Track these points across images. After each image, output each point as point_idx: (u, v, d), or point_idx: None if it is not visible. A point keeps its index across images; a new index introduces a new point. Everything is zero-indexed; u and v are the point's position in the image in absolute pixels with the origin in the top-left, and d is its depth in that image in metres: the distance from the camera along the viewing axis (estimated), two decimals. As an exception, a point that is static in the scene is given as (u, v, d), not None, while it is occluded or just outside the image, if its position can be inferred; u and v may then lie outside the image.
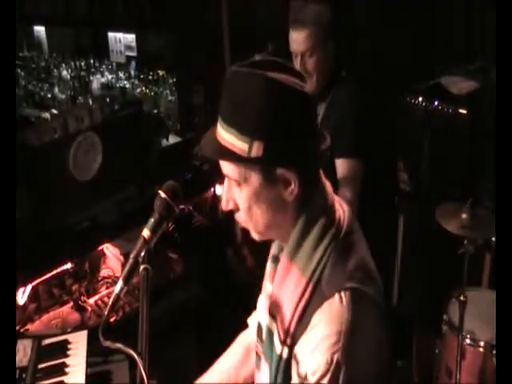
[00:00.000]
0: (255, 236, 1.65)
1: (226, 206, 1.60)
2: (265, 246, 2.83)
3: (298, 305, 1.52)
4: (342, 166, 2.77)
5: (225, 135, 1.49)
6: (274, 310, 1.61)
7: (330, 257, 1.52)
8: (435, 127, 3.40)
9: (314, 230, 1.55)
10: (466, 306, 2.89)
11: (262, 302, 1.84)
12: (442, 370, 3.21)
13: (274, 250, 1.80)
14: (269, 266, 1.81)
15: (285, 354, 1.56)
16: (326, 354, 1.46)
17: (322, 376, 1.47)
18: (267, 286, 1.79)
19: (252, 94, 1.43)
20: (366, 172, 2.82)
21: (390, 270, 3.69)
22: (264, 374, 1.70)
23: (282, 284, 1.59)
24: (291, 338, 1.54)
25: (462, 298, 2.88)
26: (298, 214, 1.56)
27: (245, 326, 2.10)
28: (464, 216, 2.80)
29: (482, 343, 2.93)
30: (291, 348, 1.55)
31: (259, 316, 1.86)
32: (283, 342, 1.56)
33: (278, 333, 1.58)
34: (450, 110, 3.31)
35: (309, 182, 1.54)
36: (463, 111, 3.27)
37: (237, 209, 1.59)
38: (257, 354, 1.82)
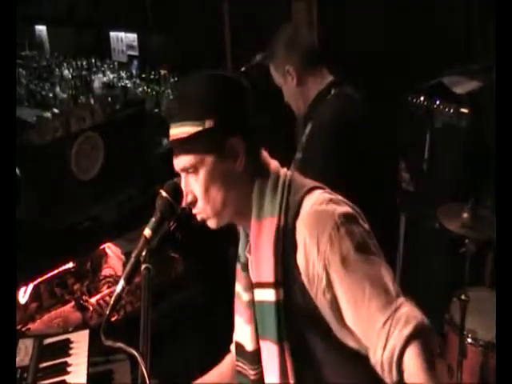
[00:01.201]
0: (213, 223, 1.78)
1: (185, 199, 1.68)
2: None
3: (276, 238, 1.62)
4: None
5: (176, 131, 1.67)
6: (260, 277, 1.66)
7: (287, 196, 1.66)
8: (437, 127, 3.40)
9: (268, 186, 1.69)
10: (467, 305, 2.89)
11: (240, 315, 1.85)
12: (443, 369, 3.21)
13: (239, 261, 1.87)
14: (240, 274, 1.85)
15: (280, 296, 1.62)
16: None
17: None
18: (242, 294, 1.82)
19: (198, 84, 1.73)
20: (366, 172, 2.79)
21: (391, 269, 3.69)
22: (272, 354, 1.69)
23: (258, 246, 1.67)
24: (280, 274, 1.61)
25: (463, 297, 2.88)
26: (250, 183, 1.69)
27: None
28: (465, 216, 2.80)
29: (483, 342, 2.93)
30: (285, 286, 1.61)
31: (238, 335, 1.89)
32: (275, 286, 1.61)
33: (269, 286, 1.63)
34: (452, 110, 3.31)
35: (253, 153, 1.71)
36: (465, 111, 3.27)
37: (195, 200, 1.68)
38: (240, 372, 1.87)
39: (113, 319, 2.89)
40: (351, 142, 2.58)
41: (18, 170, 2.69)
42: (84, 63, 5.19)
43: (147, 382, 1.33)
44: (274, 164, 1.76)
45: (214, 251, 3.73)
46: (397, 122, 3.58)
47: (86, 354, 2.41)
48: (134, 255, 1.54)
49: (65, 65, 5.35)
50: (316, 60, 2.74)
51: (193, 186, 1.67)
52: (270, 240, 1.62)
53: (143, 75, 4.70)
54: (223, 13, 4.02)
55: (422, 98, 3.46)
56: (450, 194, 3.29)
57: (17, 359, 2.34)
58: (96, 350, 2.43)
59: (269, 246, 1.62)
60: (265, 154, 1.78)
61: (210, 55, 4.11)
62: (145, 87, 4.66)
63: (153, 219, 1.58)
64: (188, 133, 1.62)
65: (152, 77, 4.64)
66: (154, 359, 1.39)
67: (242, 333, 1.83)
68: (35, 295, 2.94)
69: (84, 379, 2.28)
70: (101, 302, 3.09)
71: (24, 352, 2.41)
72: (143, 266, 1.52)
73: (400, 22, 3.70)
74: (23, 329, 2.81)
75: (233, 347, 2.04)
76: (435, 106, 3.38)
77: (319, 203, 1.60)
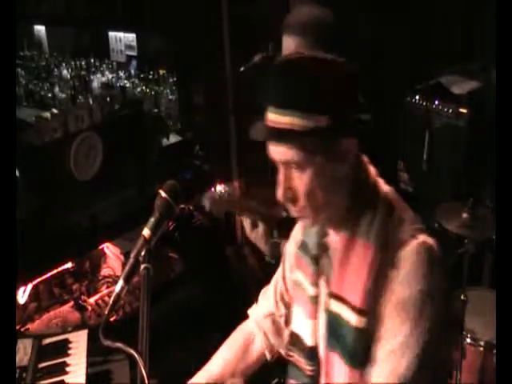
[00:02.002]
0: (310, 222, 1.68)
1: (284, 195, 1.56)
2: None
3: (370, 269, 1.53)
4: None
5: (282, 119, 1.47)
6: (343, 292, 1.60)
7: (385, 217, 1.57)
8: (436, 127, 3.40)
9: (366, 201, 1.60)
10: (466, 305, 2.89)
11: (302, 308, 1.79)
12: (442, 370, 3.21)
13: (305, 251, 1.78)
14: (305, 265, 1.77)
15: (362, 324, 1.55)
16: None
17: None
18: (306, 287, 1.76)
19: (314, 73, 1.48)
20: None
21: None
22: (338, 368, 1.65)
23: (347, 263, 1.59)
24: (368, 304, 1.54)
25: (462, 297, 2.88)
26: (349, 188, 1.59)
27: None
28: (464, 216, 2.80)
29: (482, 343, 2.93)
30: (368, 314, 1.55)
31: (295, 326, 1.84)
32: (359, 312, 1.55)
33: (352, 308, 1.57)
34: (451, 110, 3.31)
35: (359, 156, 1.63)
36: (463, 110, 3.27)
37: (295, 198, 1.56)
38: (294, 364, 1.83)
39: (112, 319, 2.89)
40: None
41: (17, 170, 2.69)
42: (83, 63, 5.18)
43: (146, 382, 1.33)
44: (373, 172, 1.68)
45: (212, 251, 3.74)
46: (396, 122, 3.58)
47: (84, 354, 2.41)
48: (132, 255, 1.53)
49: (63, 65, 5.34)
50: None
51: (296, 182, 1.54)
52: (364, 266, 1.55)
53: (142, 75, 4.69)
54: (223, 13, 4.02)
55: (420, 98, 3.46)
56: (449, 194, 3.29)
57: (16, 359, 2.34)
58: (95, 350, 2.43)
59: (361, 272, 1.55)
60: (365, 158, 1.68)
61: (210, 55, 4.10)
62: (143, 87, 4.66)
63: (152, 219, 1.57)
64: (301, 125, 1.45)
65: (151, 77, 4.63)
66: (153, 359, 1.39)
67: (302, 326, 1.79)
68: (34, 295, 2.94)
69: (83, 379, 2.28)
70: (100, 302, 3.09)
71: (23, 352, 2.41)
72: (142, 266, 1.51)
73: (400, 22, 3.70)
74: (22, 329, 2.80)
75: (252, 314, 2.05)
76: (434, 106, 3.38)
77: (426, 252, 1.53)
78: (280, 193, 1.56)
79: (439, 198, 3.11)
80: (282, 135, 1.49)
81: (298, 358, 1.81)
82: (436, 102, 3.37)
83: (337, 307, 1.62)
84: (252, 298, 2.09)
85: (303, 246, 1.79)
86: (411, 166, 3.55)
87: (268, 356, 2.02)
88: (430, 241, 1.56)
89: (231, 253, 4.01)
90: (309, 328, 1.75)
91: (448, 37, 3.72)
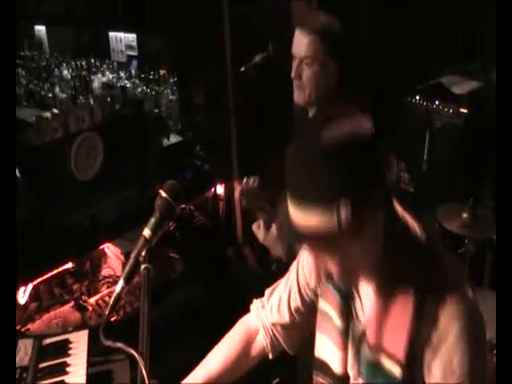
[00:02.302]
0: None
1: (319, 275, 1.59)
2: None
3: (413, 319, 1.49)
4: None
5: (307, 217, 1.34)
6: (382, 342, 1.55)
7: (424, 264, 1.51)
8: (436, 126, 3.40)
9: (402, 244, 1.54)
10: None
11: (329, 337, 1.75)
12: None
13: (333, 286, 1.71)
14: (335, 298, 1.71)
15: (405, 376, 1.52)
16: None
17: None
18: (334, 319, 1.72)
19: (325, 160, 1.32)
20: None
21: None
22: None
23: (385, 311, 1.54)
24: (408, 356, 1.50)
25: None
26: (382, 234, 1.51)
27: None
28: (465, 216, 2.80)
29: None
30: (411, 366, 1.52)
31: (321, 353, 1.80)
32: (402, 364, 1.51)
33: (391, 358, 1.53)
34: (451, 110, 3.31)
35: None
36: (464, 110, 3.27)
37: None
38: None
39: (112, 319, 2.89)
40: None
41: (17, 170, 2.70)
42: (83, 63, 5.17)
43: (146, 382, 1.33)
44: (407, 218, 1.61)
45: (213, 251, 3.74)
46: (396, 122, 3.58)
47: (85, 354, 2.41)
48: (133, 255, 1.53)
49: (64, 65, 5.34)
50: None
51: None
52: (405, 318, 1.49)
53: (142, 75, 4.68)
54: (223, 13, 4.02)
55: (421, 99, 3.46)
56: (449, 194, 3.29)
57: (16, 359, 2.34)
58: (95, 350, 2.43)
59: (402, 322, 1.50)
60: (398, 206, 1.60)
61: (210, 55, 4.10)
62: (144, 87, 4.65)
63: (152, 219, 1.57)
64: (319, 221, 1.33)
65: (151, 77, 4.63)
66: (154, 359, 1.39)
67: (329, 354, 1.75)
68: (35, 295, 2.94)
69: (83, 379, 2.28)
70: (100, 302, 3.09)
71: (23, 352, 2.41)
72: (143, 266, 1.51)
73: (400, 23, 3.70)
74: (23, 329, 2.81)
75: (254, 309, 2.03)
76: (434, 106, 3.38)
77: (471, 318, 1.48)
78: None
79: (440, 198, 3.11)
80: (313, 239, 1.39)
81: (325, 382, 1.79)
82: (436, 102, 3.37)
83: (375, 354, 1.58)
84: (252, 298, 2.08)
85: (341, 296, 1.70)
86: (412, 166, 3.55)
87: (270, 355, 2.01)
88: (472, 296, 1.51)
89: (232, 253, 4.01)
90: (337, 358, 1.71)
91: (448, 37, 3.71)
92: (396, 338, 1.52)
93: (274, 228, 2.61)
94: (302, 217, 1.35)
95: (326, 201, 1.31)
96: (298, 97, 2.67)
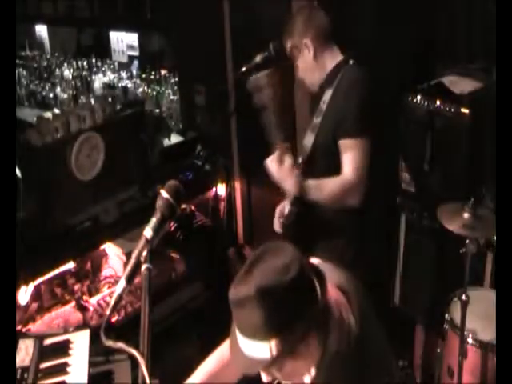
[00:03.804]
0: None
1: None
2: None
3: None
4: (343, 146, 2.79)
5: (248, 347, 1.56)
6: None
7: None
8: (437, 127, 3.39)
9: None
10: (467, 305, 2.89)
11: None
12: (443, 370, 3.20)
13: None
14: None
15: None
16: None
17: None
18: None
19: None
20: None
21: (392, 269, 3.69)
22: None
23: None
24: None
25: (463, 297, 2.88)
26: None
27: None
28: (466, 216, 2.80)
29: (483, 343, 2.93)
30: None
31: None
32: None
33: None
34: (452, 110, 3.30)
35: None
36: (465, 111, 3.26)
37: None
38: None
39: (113, 319, 2.89)
40: (371, 100, 2.85)
41: (18, 170, 2.70)
42: (84, 63, 5.18)
43: (147, 382, 1.33)
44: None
45: (214, 251, 3.74)
46: (397, 122, 3.57)
47: (86, 354, 2.42)
48: (134, 255, 1.53)
49: (65, 65, 5.35)
50: (330, 37, 2.95)
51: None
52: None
53: (143, 75, 4.70)
54: (223, 13, 4.02)
55: (422, 99, 3.46)
56: (450, 194, 3.29)
57: (17, 359, 2.35)
58: (96, 351, 2.44)
59: None
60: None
61: (210, 55, 4.10)
62: (145, 87, 4.66)
63: (153, 219, 1.57)
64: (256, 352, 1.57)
65: (152, 77, 4.64)
66: (155, 359, 1.39)
67: None
68: (36, 295, 2.95)
69: (84, 379, 2.28)
70: (101, 302, 3.09)
71: (24, 352, 2.41)
72: (144, 267, 1.52)
73: (400, 23, 3.70)
74: (24, 329, 2.81)
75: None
76: (435, 106, 3.38)
77: None
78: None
79: (440, 198, 3.11)
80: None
81: None
82: (437, 102, 3.36)
83: None
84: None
85: None
86: (413, 167, 3.54)
87: None
88: None
89: (232, 253, 4.02)
90: None
91: (449, 36, 3.71)
92: None
93: (287, 161, 2.74)
94: (244, 346, 1.56)
95: (260, 337, 1.52)
96: (310, 85, 3.04)
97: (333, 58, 2.94)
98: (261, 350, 1.53)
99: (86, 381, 2.28)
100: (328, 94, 2.92)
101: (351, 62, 2.94)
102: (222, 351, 2.04)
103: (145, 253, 1.53)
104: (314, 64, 2.92)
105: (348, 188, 2.77)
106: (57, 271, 3.01)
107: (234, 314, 1.59)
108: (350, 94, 2.84)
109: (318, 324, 1.58)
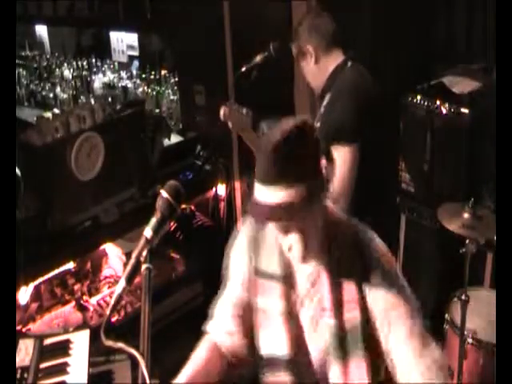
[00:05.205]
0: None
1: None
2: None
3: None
4: (333, 152, 2.79)
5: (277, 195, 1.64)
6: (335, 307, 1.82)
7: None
8: (437, 127, 3.40)
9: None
10: (467, 305, 2.89)
11: (273, 328, 1.92)
12: None
13: (265, 276, 1.96)
14: (278, 287, 1.92)
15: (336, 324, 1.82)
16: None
17: None
18: (278, 307, 1.90)
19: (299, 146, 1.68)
20: (364, 161, 2.80)
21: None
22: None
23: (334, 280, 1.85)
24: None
25: (463, 297, 2.88)
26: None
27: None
28: (466, 216, 2.80)
29: (483, 343, 2.93)
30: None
31: (272, 346, 1.93)
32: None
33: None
34: (452, 110, 3.31)
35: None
36: (465, 111, 3.26)
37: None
38: None
39: (113, 319, 2.89)
40: (366, 103, 2.86)
41: (18, 170, 2.70)
42: (84, 63, 5.18)
43: (147, 382, 1.33)
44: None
45: (214, 251, 3.74)
46: (397, 122, 3.58)
47: (86, 354, 2.41)
48: (134, 255, 1.53)
49: (65, 65, 5.34)
50: (334, 42, 2.95)
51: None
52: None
53: (143, 75, 4.69)
54: (223, 13, 4.02)
55: (422, 99, 3.46)
56: (450, 194, 3.29)
57: (17, 359, 2.34)
58: (96, 350, 2.43)
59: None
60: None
61: (210, 55, 4.10)
62: (145, 87, 4.66)
63: (153, 219, 1.57)
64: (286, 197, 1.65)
65: (152, 77, 4.63)
66: (155, 359, 1.39)
67: (276, 344, 1.90)
68: (36, 295, 2.95)
69: (84, 379, 2.28)
70: (101, 302, 3.09)
71: (24, 352, 2.41)
72: (144, 267, 1.51)
73: (400, 23, 3.70)
74: (24, 329, 2.81)
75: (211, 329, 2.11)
76: (435, 106, 3.38)
77: None
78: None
79: (440, 198, 3.11)
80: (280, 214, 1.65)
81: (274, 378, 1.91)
82: (437, 102, 3.37)
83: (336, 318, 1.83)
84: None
85: (260, 273, 1.96)
86: (413, 167, 3.55)
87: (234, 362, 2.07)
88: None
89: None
90: (284, 342, 1.88)
91: (450, 37, 3.71)
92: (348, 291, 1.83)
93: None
94: (267, 195, 1.63)
95: (288, 181, 1.63)
96: (315, 88, 3.08)
97: (334, 61, 2.94)
98: (283, 194, 1.62)
99: (86, 381, 2.27)
100: (327, 99, 2.94)
101: (349, 63, 2.94)
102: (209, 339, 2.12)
103: (145, 253, 1.53)
104: (315, 69, 2.95)
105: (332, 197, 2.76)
106: (57, 271, 3.01)
107: (262, 163, 1.67)
108: (336, 101, 2.87)
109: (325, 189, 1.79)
